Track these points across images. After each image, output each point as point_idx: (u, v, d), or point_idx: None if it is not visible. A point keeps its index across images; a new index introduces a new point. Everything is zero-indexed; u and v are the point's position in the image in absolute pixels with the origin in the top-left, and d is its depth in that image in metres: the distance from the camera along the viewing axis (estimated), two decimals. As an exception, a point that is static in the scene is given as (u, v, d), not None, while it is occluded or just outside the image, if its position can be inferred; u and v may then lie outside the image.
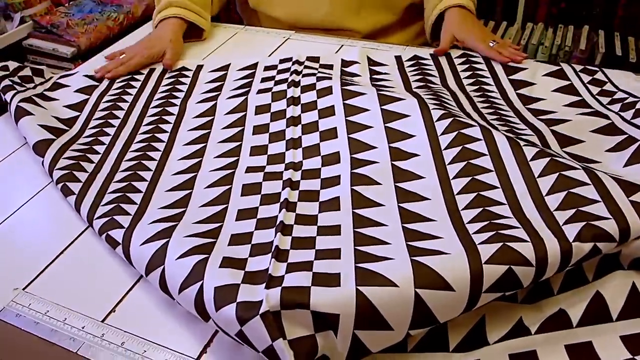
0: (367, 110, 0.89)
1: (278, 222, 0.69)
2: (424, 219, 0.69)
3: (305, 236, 0.67)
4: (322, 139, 0.88)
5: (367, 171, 0.78)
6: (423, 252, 0.61)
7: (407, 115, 0.86)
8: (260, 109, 0.98)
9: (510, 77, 1.05)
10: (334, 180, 0.78)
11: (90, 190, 0.83)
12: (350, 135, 0.86)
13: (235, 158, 0.88)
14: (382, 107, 0.89)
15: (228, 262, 0.63)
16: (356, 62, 1.12)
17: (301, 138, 0.89)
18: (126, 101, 1.07)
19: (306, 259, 0.62)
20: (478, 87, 1.03)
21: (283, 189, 0.77)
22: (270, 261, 0.61)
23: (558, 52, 1.96)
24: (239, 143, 0.91)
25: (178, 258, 0.64)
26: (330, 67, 1.12)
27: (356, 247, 0.64)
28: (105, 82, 1.14)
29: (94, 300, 0.68)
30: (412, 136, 0.83)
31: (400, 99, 0.89)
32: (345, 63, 1.13)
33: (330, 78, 1.01)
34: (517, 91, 1.01)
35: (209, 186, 0.81)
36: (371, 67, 1.11)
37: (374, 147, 0.83)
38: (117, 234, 0.72)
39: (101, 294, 0.68)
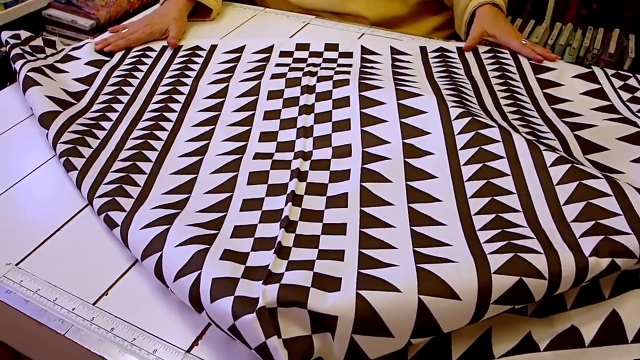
0: (383, 103, 0.86)
1: (283, 216, 0.66)
2: (433, 222, 0.66)
3: (309, 234, 0.64)
4: (334, 130, 0.84)
5: (378, 167, 0.75)
6: (430, 259, 0.59)
7: (424, 112, 0.83)
8: (273, 94, 0.95)
9: (537, 76, 1.01)
10: (344, 175, 0.75)
11: (93, 167, 0.80)
12: (363, 128, 0.83)
13: (244, 143, 0.85)
14: (399, 101, 0.85)
15: (229, 255, 0.60)
16: (377, 53, 1.09)
17: (313, 127, 0.86)
18: (136, 77, 1.04)
19: (308, 257, 0.59)
20: (504, 80, 0.99)
21: (290, 179, 0.74)
22: (271, 257, 0.59)
23: (586, 54, 1.91)
24: (248, 127, 0.88)
25: (177, 246, 0.62)
26: (350, 55, 1.08)
27: (361, 250, 0.61)
28: (117, 57, 1.11)
29: (87, 281, 0.65)
30: (427, 133, 0.80)
31: (418, 95, 0.85)
32: (365, 50, 1.10)
33: (349, 72, 0.97)
34: (543, 90, 0.97)
35: (214, 172, 0.79)
36: (394, 56, 1.07)
37: (387, 142, 0.80)
38: (117, 216, 0.70)
39: (95, 276, 0.66)
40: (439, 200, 0.70)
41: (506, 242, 0.60)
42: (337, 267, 0.58)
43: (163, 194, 0.75)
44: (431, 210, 0.68)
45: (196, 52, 1.12)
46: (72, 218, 0.75)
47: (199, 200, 0.73)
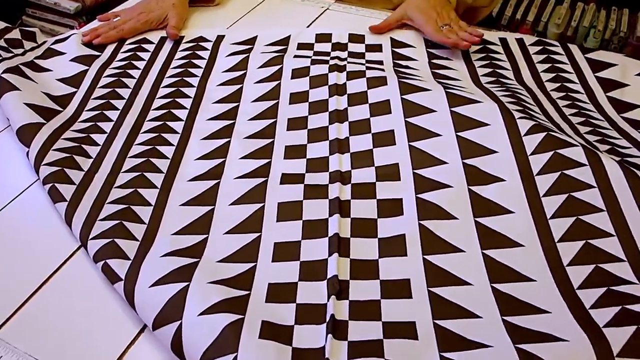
0: (432, 111, 0.72)
1: (330, 274, 0.53)
2: (519, 277, 0.53)
3: (366, 299, 0.51)
4: (375, 144, 0.70)
5: (438, 198, 0.61)
6: (529, 336, 0.45)
7: (485, 124, 0.68)
8: (296, 98, 0.81)
9: (597, 75, 0.86)
10: (395, 206, 0.61)
11: (85, 197, 0.66)
12: (411, 143, 0.69)
13: (267, 160, 0.70)
14: (453, 109, 0.71)
15: (269, 331, 0.47)
16: (410, 45, 0.93)
17: (348, 140, 0.71)
18: (132, 77, 0.88)
19: (373, 336, 0.46)
20: (560, 84, 0.85)
21: (331, 214, 0.60)
22: (325, 337, 0.45)
23: (612, 37, 1.77)
24: (270, 140, 0.74)
25: (201, 314, 0.48)
26: (379, 48, 0.93)
27: (436, 322, 0.48)
28: (108, 51, 0.96)
29: (86, 354, 0.51)
30: (493, 152, 0.66)
31: (474, 101, 0.71)
32: (396, 43, 0.94)
33: (382, 67, 0.83)
34: (607, 94, 0.83)
35: (235, 202, 0.64)
36: (429, 50, 0.92)
37: (443, 162, 0.66)
38: (119, 267, 0.56)
39: (95, 347, 0.52)
40: (520, 245, 0.56)
41: (619, 308, 0.47)
42: (413, 351, 0.44)
43: (174, 233, 0.61)
44: (513, 259, 0.55)
45: (200, 44, 0.96)
46: (62, 265, 0.60)
47: (219, 244, 0.59)
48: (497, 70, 0.88)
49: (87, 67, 0.90)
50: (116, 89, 0.86)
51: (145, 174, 0.70)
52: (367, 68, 0.82)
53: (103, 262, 0.58)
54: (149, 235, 0.61)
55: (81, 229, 0.62)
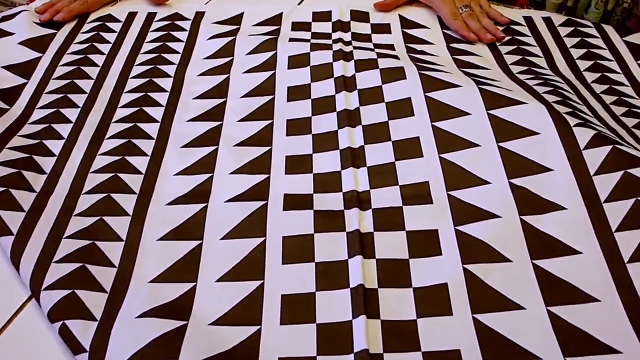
0: (465, 113, 0.59)
1: (356, 346, 0.41)
2: (602, 348, 0.41)
3: None
4: (397, 156, 0.58)
5: (482, 232, 0.49)
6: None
7: (533, 132, 0.56)
8: (296, 92, 0.67)
9: (640, 62, 0.74)
10: (430, 243, 0.50)
11: (37, 229, 0.53)
12: (443, 156, 0.56)
13: (265, 176, 0.57)
14: (491, 111, 0.58)
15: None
16: (423, 26, 0.80)
17: (364, 149, 0.58)
18: (95, 64, 0.74)
19: None
20: (600, 74, 0.72)
21: (351, 254, 0.48)
22: None
23: (615, 8, 1.65)
24: (267, 148, 0.60)
25: None
26: (387, 28, 0.79)
27: None
28: (65, 31, 0.80)
29: None
30: (547, 169, 0.53)
31: (519, 102, 0.58)
32: (406, 22, 0.81)
33: (396, 56, 0.69)
34: None
35: (228, 235, 0.52)
36: (446, 32, 0.79)
37: (486, 182, 0.54)
38: (83, 331, 0.43)
39: None
40: (594, 300, 0.44)
41: None
42: None
43: (152, 281, 0.48)
44: (587, 321, 0.43)
45: (176, 23, 0.81)
46: (7, 324, 0.47)
47: (211, 297, 0.47)
48: (528, 58, 0.75)
49: (40, 54, 0.75)
50: (75, 81, 0.71)
51: (112, 195, 0.56)
52: (379, 56, 0.69)
53: (61, 323, 0.44)
54: (120, 284, 0.48)
55: (32, 274, 0.48)
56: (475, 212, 0.52)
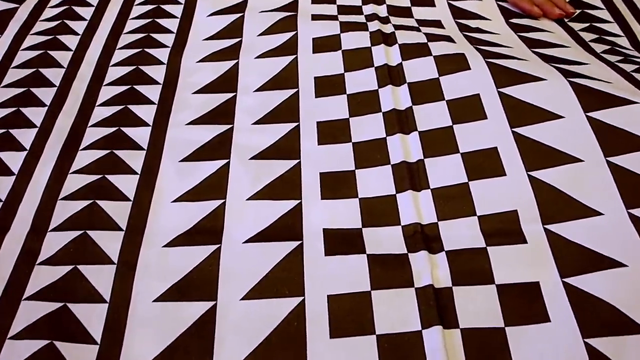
0: (556, 116, 0.45)
1: None
2: None
3: None
4: (471, 175, 0.44)
5: (603, 287, 0.36)
6: None
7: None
8: (326, 86, 0.53)
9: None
10: (532, 301, 0.38)
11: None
12: (532, 174, 0.44)
13: (295, 203, 0.44)
14: (591, 114, 0.44)
15: None
16: (475, -3, 0.65)
17: (424, 165, 0.45)
18: (66, 48, 0.59)
19: None
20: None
21: (425, 325, 0.36)
22: None
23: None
24: (294, 162, 0.47)
25: None
26: (430, 0, 0.64)
27: None
28: (29, 5, 0.65)
29: None
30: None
31: (628, 101, 0.44)
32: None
33: (444, 32, 0.55)
34: None
35: (249, 295, 0.38)
36: (500, 3, 0.64)
37: (597, 213, 0.41)
38: None
39: None
40: None
41: None
42: None
43: None
44: None
45: (165, -2, 0.65)
46: None
47: None
48: (607, 38, 0.60)
49: (-6, 34, 0.59)
50: (41, 70, 0.56)
51: (90, 233, 0.41)
52: (429, 38, 0.54)
53: None
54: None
55: None
56: (589, 257, 0.37)
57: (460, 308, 0.37)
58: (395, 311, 0.37)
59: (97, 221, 0.42)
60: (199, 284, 0.38)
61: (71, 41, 0.60)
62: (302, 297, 0.37)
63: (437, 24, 0.61)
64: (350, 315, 0.37)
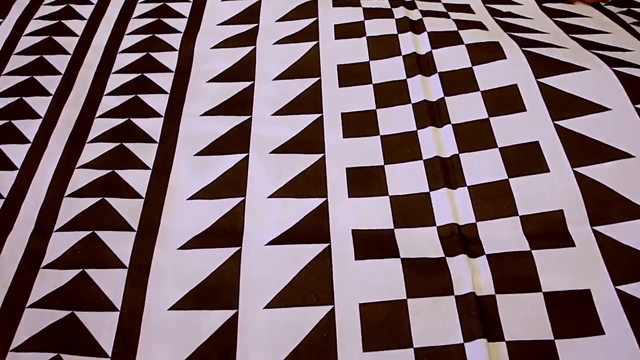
0: (603, 108, 0.44)
1: None
2: None
3: None
4: (511, 171, 0.42)
5: None
6: None
7: None
8: (350, 75, 0.50)
9: None
10: (584, 310, 0.36)
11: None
12: (578, 170, 0.41)
13: (320, 201, 0.41)
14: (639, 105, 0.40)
15: None
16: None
17: (459, 160, 0.42)
18: (73, 34, 0.57)
19: None
20: None
21: (467, 338, 0.34)
22: None
23: None
24: (318, 157, 0.44)
25: None
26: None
27: None
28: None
29: None
30: None
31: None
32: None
33: (474, 18, 0.52)
34: None
35: (273, 303, 0.35)
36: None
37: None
38: None
39: None
40: None
41: None
42: None
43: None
44: None
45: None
46: None
47: None
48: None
49: (-3, 19, 0.56)
50: (45, 57, 0.53)
51: (99, 233, 0.38)
52: (459, 26, 0.50)
53: None
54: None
55: None
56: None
57: (505, 318, 0.34)
58: (434, 322, 0.34)
59: (106, 220, 0.40)
60: (218, 290, 0.36)
61: (77, 26, 0.57)
62: (332, 306, 0.34)
63: (466, 8, 0.58)
64: (384, 326, 0.34)
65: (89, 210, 0.40)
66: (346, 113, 0.46)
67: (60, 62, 0.53)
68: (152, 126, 0.47)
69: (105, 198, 0.41)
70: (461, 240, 0.37)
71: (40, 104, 0.48)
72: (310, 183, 0.42)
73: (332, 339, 0.33)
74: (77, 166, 0.43)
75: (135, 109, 0.48)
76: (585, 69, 0.45)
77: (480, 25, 0.52)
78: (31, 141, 0.45)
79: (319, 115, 0.46)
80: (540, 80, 0.45)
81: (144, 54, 0.54)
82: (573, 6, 0.59)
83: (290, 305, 0.35)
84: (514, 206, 0.39)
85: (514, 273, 0.35)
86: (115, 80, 0.51)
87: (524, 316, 0.34)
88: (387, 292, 0.35)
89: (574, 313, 0.34)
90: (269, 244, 0.38)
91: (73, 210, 0.40)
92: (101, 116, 0.48)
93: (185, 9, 0.59)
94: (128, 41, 0.55)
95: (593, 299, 0.34)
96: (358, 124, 0.45)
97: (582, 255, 0.36)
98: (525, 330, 0.33)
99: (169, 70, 0.52)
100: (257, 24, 0.56)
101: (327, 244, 0.37)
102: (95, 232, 0.39)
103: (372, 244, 0.38)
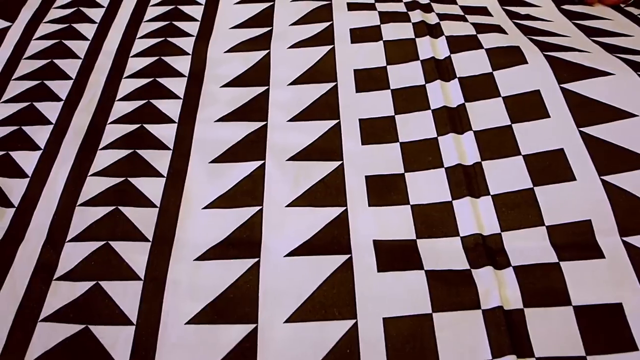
0: (629, 115, 0.42)
1: None
2: None
3: None
4: (536, 180, 0.41)
5: None
6: None
7: None
8: (367, 79, 0.49)
9: None
10: (616, 325, 0.34)
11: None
12: (606, 178, 0.40)
13: (340, 210, 0.40)
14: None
15: None
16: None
17: (482, 168, 0.41)
18: (83, 37, 0.55)
19: None
20: None
21: (496, 354, 0.31)
22: None
23: None
24: (336, 164, 0.43)
25: None
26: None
27: None
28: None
29: None
30: None
31: None
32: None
33: (493, 21, 0.51)
34: None
35: (294, 317, 0.34)
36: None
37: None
38: None
39: None
40: None
41: None
42: None
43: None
44: None
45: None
46: None
47: None
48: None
49: (8, 23, 0.55)
50: (55, 61, 0.51)
51: (113, 244, 0.36)
52: (478, 30, 0.49)
53: None
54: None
55: None
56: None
57: (535, 334, 0.32)
58: (462, 337, 0.32)
59: (120, 230, 0.38)
60: (237, 303, 0.34)
61: (88, 30, 0.56)
62: (355, 320, 0.33)
63: (484, 11, 0.56)
64: (410, 342, 0.32)
65: (102, 220, 0.39)
66: (364, 119, 0.45)
67: (71, 66, 0.51)
68: (166, 132, 0.45)
69: (119, 207, 0.39)
70: (486, 251, 0.36)
71: (51, 110, 0.47)
72: (329, 192, 0.40)
73: (356, 355, 0.32)
74: (89, 174, 0.42)
75: (148, 114, 0.47)
76: (610, 73, 0.43)
77: (499, 29, 0.51)
78: (42, 148, 0.44)
79: (336, 121, 0.45)
80: (563, 85, 0.43)
81: (156, 58, 0.52)
82: (592, 8, 0.58)
83: (311, 320, 0.33)
84: (540, 216, 0.38)
85: (543, 286, 0.34)
86: (127, 85, 0.50)
87: (553, 331, 0.33)
88: (412, 306, 0.34)
89: (605, 328, 0.33)
90: (288, 255, 0.37)
91: (86, 220, 0.39)
92: (113, 122, 0.46)
93: (197, 12, 0.58)
94: (140, 45, 0.54)
95: (625, 313, 0.33)
96: (376, 131, 0.44)
97: (612, 267, 0.35)
98: (555, 346, 0.32)
99: (182, 75, 0.50)
100: (271, 28, 0.54)
101: (348, 255, 0.36)
102: (109, 242, 0.37)
103: (394, 255, 0.36)
